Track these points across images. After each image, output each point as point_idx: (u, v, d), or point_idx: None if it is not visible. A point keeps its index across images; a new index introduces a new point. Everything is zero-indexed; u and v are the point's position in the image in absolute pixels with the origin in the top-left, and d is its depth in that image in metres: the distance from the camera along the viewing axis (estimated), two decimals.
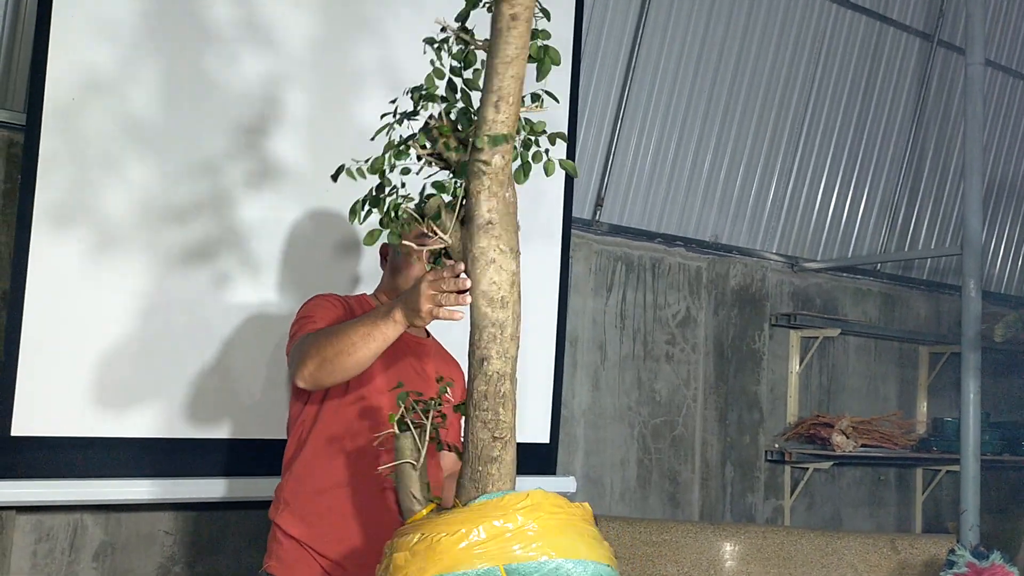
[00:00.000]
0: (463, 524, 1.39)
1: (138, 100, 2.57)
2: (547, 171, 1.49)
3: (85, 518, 2.69)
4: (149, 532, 2.81)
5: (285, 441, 2.11)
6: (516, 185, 1.48)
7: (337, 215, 2.75)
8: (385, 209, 1.53)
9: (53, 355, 2.44)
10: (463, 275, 1.50)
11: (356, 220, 1.53)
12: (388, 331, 1.80)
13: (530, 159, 1.49)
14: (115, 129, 2.53)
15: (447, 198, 1.50)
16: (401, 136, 1.51)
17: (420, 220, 1.51)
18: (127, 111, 2.55)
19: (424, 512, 1.52)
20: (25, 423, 2.41)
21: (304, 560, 1.99)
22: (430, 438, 1.57)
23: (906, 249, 5.18)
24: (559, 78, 2.50)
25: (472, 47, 1.46)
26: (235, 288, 2.69)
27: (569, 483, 3.56)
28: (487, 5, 1.39)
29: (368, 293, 2.24)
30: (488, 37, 1.37)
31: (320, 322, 2.00)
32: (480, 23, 1.43)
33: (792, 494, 4.54)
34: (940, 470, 5.02)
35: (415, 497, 1.54)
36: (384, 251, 2.23)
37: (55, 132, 2.45)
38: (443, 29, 1.45)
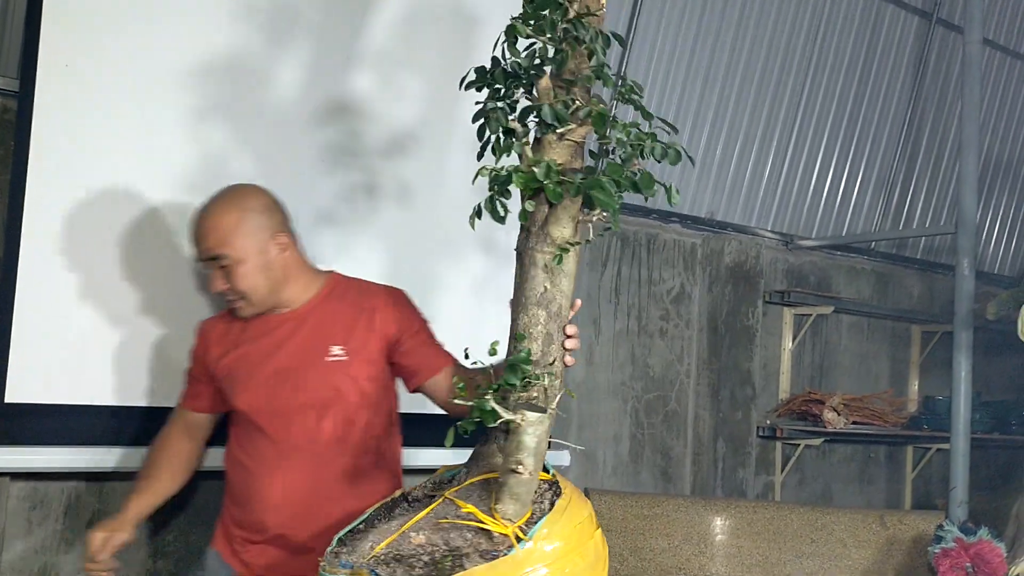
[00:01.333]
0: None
1: (135, 66, 2.55)
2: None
3: (80, 486, 2.69)
4: None
5: None
6: None
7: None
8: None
9: (48, 321, 2.44)
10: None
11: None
12: None
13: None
14: (111, 96, 2.52)
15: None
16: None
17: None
18: (123, 77, 2.53)
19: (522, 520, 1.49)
20: (20, 390, 2.41)
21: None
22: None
23: (900, 228, 5.19)
24: None
25: None
26: None
27: (563, 457, 3.58)
28: None
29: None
30: None
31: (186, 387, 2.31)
32: None
33: (783, 470, 4.57)
34: (930, 448, 5.05)
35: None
36: None
37: (49, 99, 2.43)
38: None
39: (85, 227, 2.49)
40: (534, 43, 1.56)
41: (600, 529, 1.55)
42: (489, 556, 1.42)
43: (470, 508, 1.49)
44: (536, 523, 1.45)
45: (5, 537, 2.64)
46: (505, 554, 1.41)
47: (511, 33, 1.53)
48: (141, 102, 2.56)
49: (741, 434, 4.33)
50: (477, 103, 1.62)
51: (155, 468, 2.25)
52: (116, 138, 2.53)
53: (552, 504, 1.50)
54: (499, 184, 1.53)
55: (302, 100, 2.82)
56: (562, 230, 1.59)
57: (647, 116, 1.57)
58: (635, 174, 1.54)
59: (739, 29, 4.31)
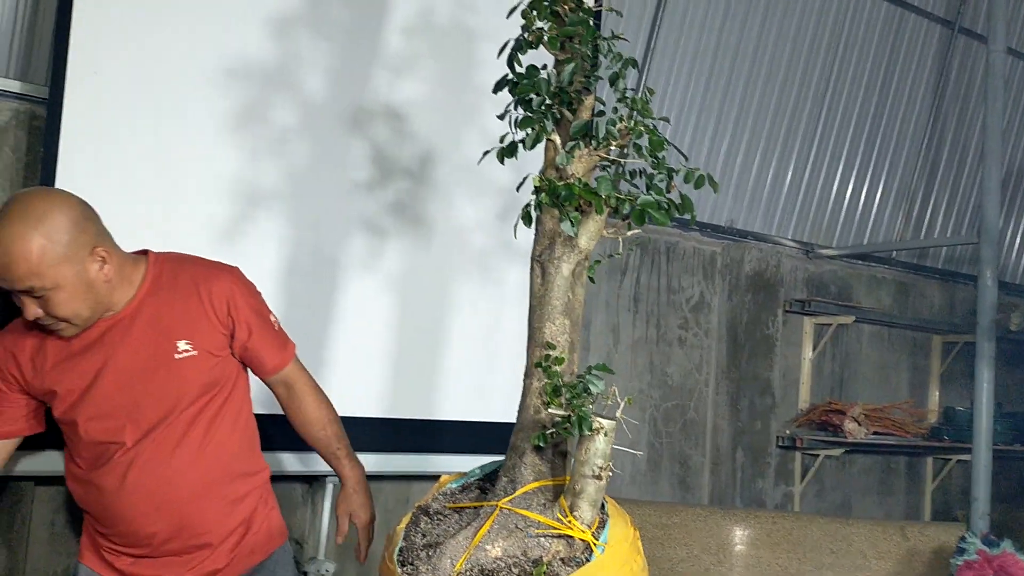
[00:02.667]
0: None
1: (162, 71, 2.57)
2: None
3: None
4: None
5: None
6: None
7: None
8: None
9: None
10: None
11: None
12: None
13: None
14: (139, 102, 2.54)
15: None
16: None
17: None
18: (151, 83, 2.55)
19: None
20: None
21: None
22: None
23: (922, 237, 5.16)
24: None
25: None
26: (251, 255, 2.70)
27: None
28: None
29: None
30: None
31: None
32: None
33: (802, 480, 4.55)
34: (950, 459, 5.02)
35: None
36: None
37: (78, 105, 2.46)
38: None
39: (113, 233, 2.50)
40: (572, 62, 1.58)
41: (637, 533, 1.59)
42: (572, 563, 1.44)
43: (540, 518, 1.50)
44: (603, 528, 1.48)
45: (30, 543, 2.66)
46: (587, 560, 1.44)
47: (521, 48, 1.56)
48: (169, 108, 2.58)
49: (760, 444, 4.31)
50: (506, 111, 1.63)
51: None
52: (144, 144, 2.55)
53: (602, 509, 1.53)
54: (551, 195, 1.55)
55: (329, 104, 2.84)
56: (589, 241, 1.60)
57: (655, 147, 1.58)
58: (677, 196, 1.57)
59: (760, 37, 4.30)
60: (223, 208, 2.66)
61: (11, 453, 2.08)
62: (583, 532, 1.47)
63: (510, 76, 1.60)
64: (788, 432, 4.47)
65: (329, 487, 2.97)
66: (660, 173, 1.57)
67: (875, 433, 4.52)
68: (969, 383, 4.08)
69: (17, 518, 2.63)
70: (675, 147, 1.61)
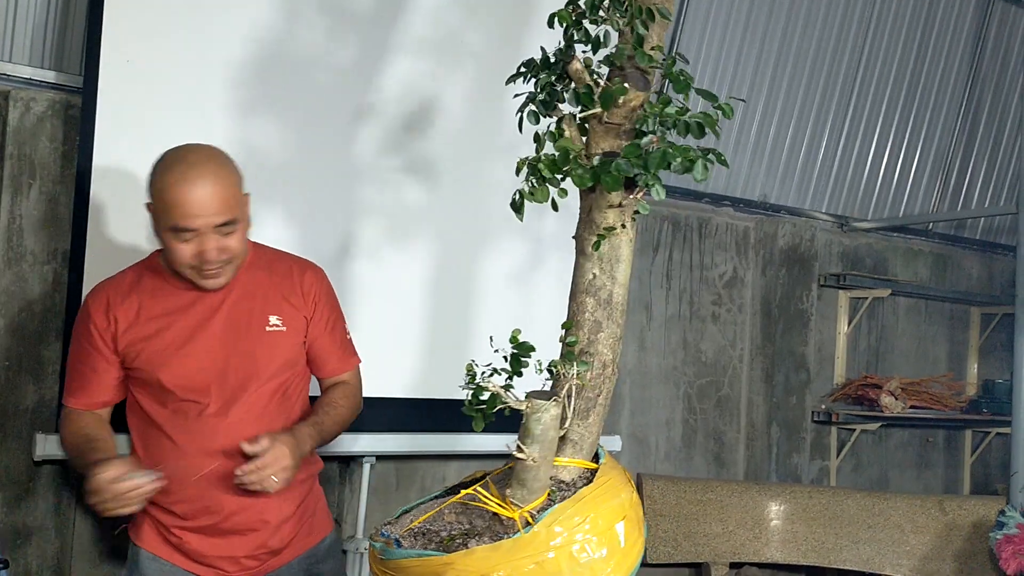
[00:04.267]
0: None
1: (194, 60, 2.59)
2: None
3: None
4: None
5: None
6: None
7: None
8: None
9: None
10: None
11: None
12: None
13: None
14: (172, 89, 2.56)
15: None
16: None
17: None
18: (183, 72, 2.58)
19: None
20: None
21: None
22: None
23: (959, 208, 5.08)
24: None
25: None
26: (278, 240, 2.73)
27: (615, 442, 3.59)
28: None
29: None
30: None
31: (71, 385, 2.02)
32: None
33: (838, 455, 4.52)
34: (990, 432, 4.96)
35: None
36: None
37: (112, 94, 2.49)
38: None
39: (146, 219, 2.54)
40: (571, 28, 1.55)
41: (628, 521, 1.52)
42: (498, 538, 1.46)
43: (484, 492, 1.53)
44: (545, 511, 1.47)
45: (75, 522, 2.72)
46: (509, 537, 1.45)
47: (553, 22, 1.54)
48: (200, 95, 2.60)
49: (795, 419, 4.29)
50: (516, 96, 1.61)
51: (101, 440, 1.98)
52: (177, 132, 2.56)
53: (575, 491, 1.53)
54: (531, 172, 1.54)
55: (355, 91, 2.85)
56: (603, 215, 1.58)
57: (680, 86, 1.48)
58: (666, 151, 1.47)
59: (792, 6, 4.24)
60: (254, 192, 2.67)
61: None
62: (508, 510, 1.48)
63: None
64: (824, 407, 4.44)
65: (366, 467, 3.01)
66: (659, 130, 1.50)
67: (912, 407, 4.48)
68: (1008, 355, 4.03)
69: (63, 501, 2.70)
70: (699, 92, 1.52)
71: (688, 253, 4.13)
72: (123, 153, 2.50)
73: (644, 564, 3.96)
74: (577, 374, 1.53)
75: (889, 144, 4.74)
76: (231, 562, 1.99)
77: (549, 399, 1.48)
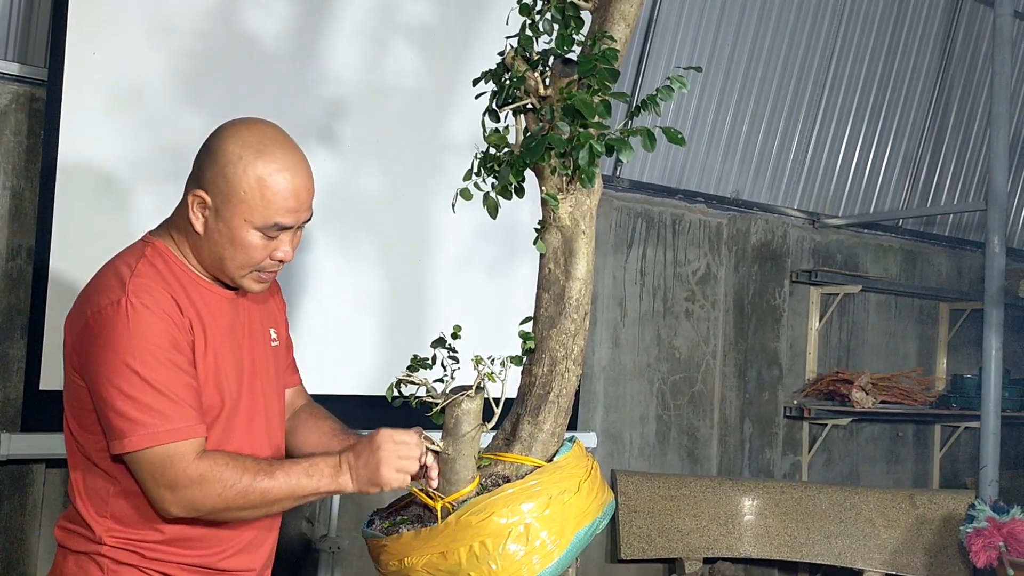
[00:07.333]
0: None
1: (161, 52, 2.55)
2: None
3: None
4: None
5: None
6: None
7: None
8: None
9: None
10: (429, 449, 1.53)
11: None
12: (325, 493, 1.54)
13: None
14: (137, 82, 2.52)
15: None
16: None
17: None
18: (150, 64, 2.53)
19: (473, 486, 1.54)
20: (54, 378, 2.44)
21: None
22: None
23: (928, 205, 5.13)
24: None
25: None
26: None
27: (590, 438, 3.59)
28: None
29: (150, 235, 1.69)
30: None
31: (188, 413, 1.49)
32: None
33: (810, 450, 4.55)
34: (958, 427, 5.02)
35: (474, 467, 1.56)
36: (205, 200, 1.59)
37: (77, 87, 2.44)
38: None
39: (115, 215, 2.50)
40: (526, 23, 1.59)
41: (549, 520, 1.50)
42: (424, 526, 1.52)
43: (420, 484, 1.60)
44: (464, 502, 1.51)
45: (41, 524, 2.67)
46: (429, 525, 1.51)
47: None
48: (168, 87, 2.56)
49: (768, 415, 4.31)
50: (479, 96, 1.66)
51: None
52: (144, 124, 2.53)
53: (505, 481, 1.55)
54: (481, 165, 1.58)
55: (316, 78, 2.82)
56: (547, 211, 1.62)
57: (583, 67, 1.53)
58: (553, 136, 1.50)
59: (764, 5, 4.25)
60: None
61: None
62: (428, 499, 1.54)
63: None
64: (796, 402, 4.47)
65: None
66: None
67: (883, 402, 4.52)
68: (977, 350, 4.07)
69: (29, 501, 2.65)
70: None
71: (662, 250, 4.14)
72: (90, 147, 2.46)
73: (618, 560, 3.97)
74: (501, 370, 1.54)
75: (860, 141, 4.78)
76: None
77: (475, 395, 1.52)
